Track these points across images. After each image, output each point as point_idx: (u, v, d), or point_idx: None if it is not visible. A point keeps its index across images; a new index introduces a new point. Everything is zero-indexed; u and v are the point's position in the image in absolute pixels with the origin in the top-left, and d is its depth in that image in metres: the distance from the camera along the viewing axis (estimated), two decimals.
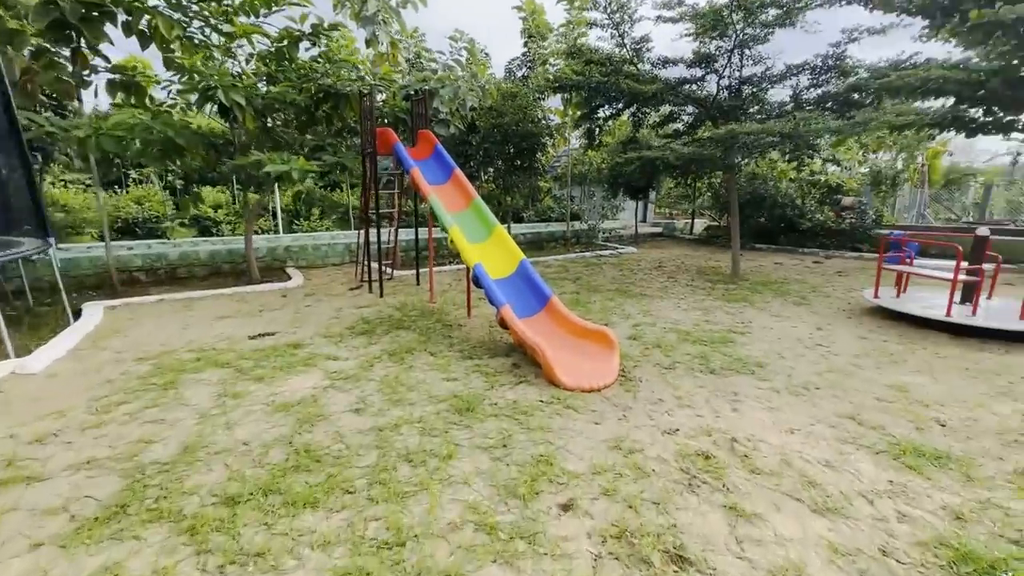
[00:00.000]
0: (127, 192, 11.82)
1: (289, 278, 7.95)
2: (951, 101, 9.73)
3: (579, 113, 9.38)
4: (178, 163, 6.69)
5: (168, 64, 6.56)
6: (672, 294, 7.04)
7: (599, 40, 7.39)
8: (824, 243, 12.34)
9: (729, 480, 2.45)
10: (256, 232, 11.81)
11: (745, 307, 6.24)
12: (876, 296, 5.85)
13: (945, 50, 10.23)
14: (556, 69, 9.22)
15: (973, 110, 10.73)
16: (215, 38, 6.47)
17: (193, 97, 5.98)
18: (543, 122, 10.18)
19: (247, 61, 7.40)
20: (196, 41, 6.27)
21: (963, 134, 11.25)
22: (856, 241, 12.13)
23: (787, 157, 8.36)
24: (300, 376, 3.86)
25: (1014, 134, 11.12)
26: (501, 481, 2.44)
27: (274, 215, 12.09)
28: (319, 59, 6.96)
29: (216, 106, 5.96)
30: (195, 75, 5.94)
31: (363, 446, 2.79)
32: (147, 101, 6.72)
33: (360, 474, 2.51)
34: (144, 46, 6.25)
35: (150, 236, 10.64)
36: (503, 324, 4.35)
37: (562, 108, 12.25)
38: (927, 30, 10.41)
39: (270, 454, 2.70)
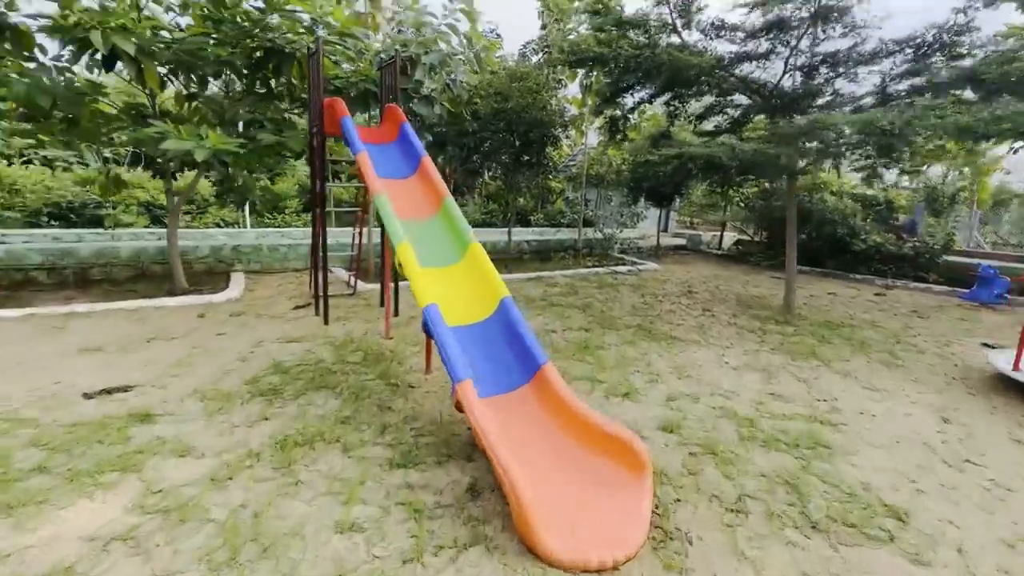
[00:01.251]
0: (60, 171, 10.14)
1: (226, 287, 6.34)
2: None
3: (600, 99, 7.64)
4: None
5: None
6: (713, 338, 5.29)
7: None
8: (879, 269, 10.44)
9: None
10: (218, 225, 10.27)
11: (818, 367, 4.49)
12: (1017, 368, 4.06)
13: None
14: (579, 38, 7.44)
15: None
16: None
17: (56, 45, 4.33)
18: (555, 108, 8.46)
19: (181, 11, 5.79)
20: None
21: None
22: (920, 269, 10.22)
23: (863, 164, 6.54)
24: (94, 500, 2.22)
25: None
26: None
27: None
28: (263, 6, 5.31)
29: (102, 58, 4.33)
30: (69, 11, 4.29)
31: None
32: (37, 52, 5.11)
33: None
34: None
35: (92, 224, 9.09)
36: (460, 408, 2.67)
37: (580, 96, 10.49)
38: None
39: None
